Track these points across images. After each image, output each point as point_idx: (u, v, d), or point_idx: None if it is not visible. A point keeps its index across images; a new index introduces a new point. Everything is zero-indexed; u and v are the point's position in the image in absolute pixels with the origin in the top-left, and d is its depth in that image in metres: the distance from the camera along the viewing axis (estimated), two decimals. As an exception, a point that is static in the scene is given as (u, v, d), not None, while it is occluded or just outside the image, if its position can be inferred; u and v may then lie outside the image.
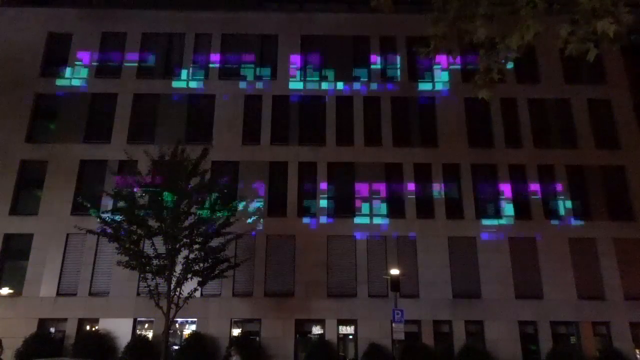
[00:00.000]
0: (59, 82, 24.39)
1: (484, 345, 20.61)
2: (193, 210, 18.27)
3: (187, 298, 17.56)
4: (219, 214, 18.73)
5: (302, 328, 21.26)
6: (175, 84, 24.52)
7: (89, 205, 18.52)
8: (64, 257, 21.64)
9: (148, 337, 20.45)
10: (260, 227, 22.14)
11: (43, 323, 20.71)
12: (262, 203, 22.67)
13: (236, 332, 21.17)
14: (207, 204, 18.71)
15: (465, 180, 23.18)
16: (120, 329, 20.55)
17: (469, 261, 22.00)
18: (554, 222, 22.54)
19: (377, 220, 22.52)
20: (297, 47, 25.37)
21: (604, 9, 5.06)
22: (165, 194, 17.64)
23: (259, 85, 24.70)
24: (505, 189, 23.06)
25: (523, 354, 20.64)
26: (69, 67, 24.64)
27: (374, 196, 22.93)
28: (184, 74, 24.73)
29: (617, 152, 23.67)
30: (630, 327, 21.00)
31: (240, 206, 20.88)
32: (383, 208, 22.76)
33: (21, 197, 22.72)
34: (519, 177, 23.29)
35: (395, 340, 19.19)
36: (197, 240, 18.06)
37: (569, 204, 22.84)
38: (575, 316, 21.20)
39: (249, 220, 21.93)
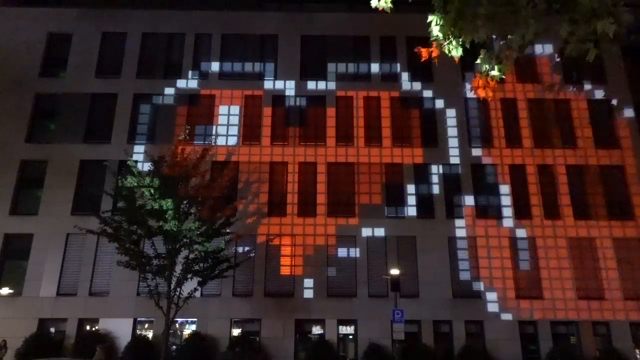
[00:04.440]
0: (59, 82, 24.40)
1: (484, 345, 20.62)
2: (193, 210, 18.28)
3: (187, 298, 17.56)
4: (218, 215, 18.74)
5: (302, 328, 21.26)
6: (175, 84, 24.52)
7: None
8: (64, 257, 21.64)
9: (148, 337, 20.45)
10: (260, 227, 22.14)
11: (43, 323, 20.72)
12: (262, 203, 22.66)
13: (236, 332, 21.18)
14: (206, 205, 18.69)
15: (465, 180, 23.19)
16: (120, 329, 20.55)
17: (469, 261, 22.00)
18: (554, 222, 22.54)
19: (377, 220, 22.51)
20: (297, 47, 25.37)
21: (604, 9, 5.06)
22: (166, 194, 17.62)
23: (259, 85, 24.71)
24: (505, 189, 23.06)
25: (523, 354, 20.65)
26: (69, 67, 24.64)
27: (373, 196, 22.93)
28: (183, 73, 24.74)
29: (617, 152, 23.69)
30: (630, 327, 21.02)
31: (240, 206, 20.89)
32: (383, 208, 22.76)
33: (21, 197, 22.72)
34: (519, 177, 23.30)
35: (395, 340, 19.19)
36: (197, 240, 18.05)
37: (569, 204, 22.84)
38: (575, 316, 21.22)
39: (249, 220, 22.00)
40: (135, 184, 17.70)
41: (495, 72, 6.04)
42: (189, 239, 17.85)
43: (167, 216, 17.27)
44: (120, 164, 22.21)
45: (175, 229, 17.39)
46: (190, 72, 24.78)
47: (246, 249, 21.58)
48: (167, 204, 17.15)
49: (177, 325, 21.22)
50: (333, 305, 21.24)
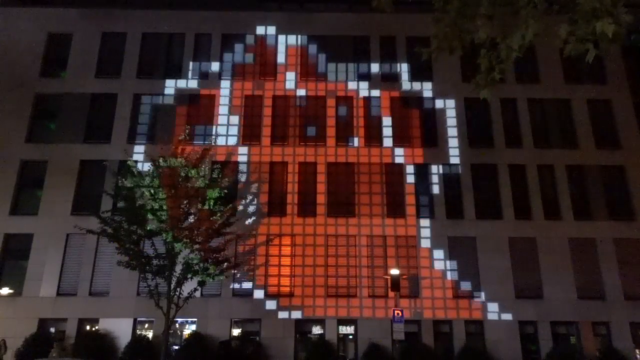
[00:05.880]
0: (59, 82, 24.41)
1: (484, 345, 20.62)
2: (193, 210, 18.28)
3: (187, 298, 17.58)
4: (218, 215, 18.76)
5: (302, 328, 21.27)
6: (175, 84, 24.52)
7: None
8: (64, 257, 21.64)
9: (148, 337, 20.45)
10: (260, 227, 22.15)
11: (43, 323, 20.72)
12: (262, 203, 22.67)
13: (236, 332, 21.19)
14: (207, 205, 18.70)
15: (465, 180, 23.19)
16: (120, 329, 20.55)
17: (469, 261, 22.01)
18: (554, 222, 22.54)
19: (377, 220, 22.52)
20: (296, 47, 25.37)
21: (604, 9, 5.06)
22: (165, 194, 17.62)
23: (259, 85, 24.71)
24: (505, 189, 23.05)
25: (523, 354, 20.64)
26: (69, 67, 24.64)
27: (374, 196, 22.93)
28: (183, 73, 24.74)
29: (617, 152, 23.68)
30: (630, 327, 21.01)
31: (240, 206, 20.89)
32: (383, 208, 22.75)
33: (21, 197, 22.72)
34: (519, 177, 23.29)
35: (395, 340, 19.19)
36: (197, 240, 18.06)
37: (569, 204, 22.83)
38: (575, 316, 21.21)
39: (249, 220, 22.01)
40: (135, 185, 17.71)
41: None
42: (189, 239, 17.84)
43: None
44: (120, 164, 22.24)
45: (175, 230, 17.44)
46: (190, 72, 24.77)
47: (246, 249, 21.60)
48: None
49: (177, 325, 21.22)
50: (333, 305, 21.25)
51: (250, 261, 21.65)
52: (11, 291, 20.98)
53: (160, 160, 18.07)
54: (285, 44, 25.43)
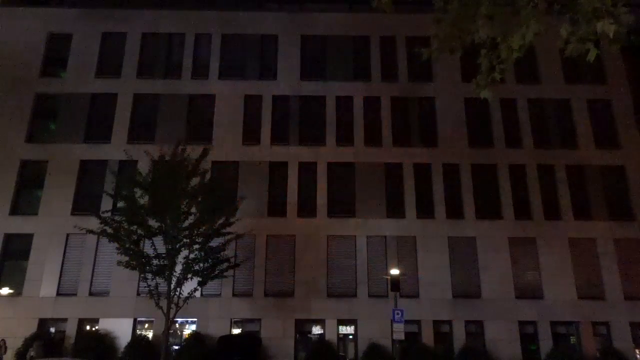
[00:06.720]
0: (59, 82, 24.40)
1: (484, 345, 20.63)
2: (193, 210, 18.27)
3: (187, 298, 17.55)
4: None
5: (302, 328, 21.27)
6: (175, 84, 24.52)
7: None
8: (64, 257, 21.64)
9: (148, 337, 20.45)
10: (260, 227, 22.14)
11: (43, 323, 20.72)
12: (262, 203, 22.66)
13: (236, 332, 21.18)
14: (207, 204, 18.67)
15: (465, 180, 23.18)
16: (120, 329, 20.55)
17: (469, 261, 22.01)
18: (554, 222, 22.54)
19: (377, 220, 22.51)
20: (297, 47, 25.37)
21: (604, 9, 5.07)
22: (166, 194, 17.59)
23: (259, 85, 24.70)
24: (505, 189, 23.05)
25: (523, 354, 20.65)
26: (69, 67, 24.63)
27: (373, 196, 22.93)
28: (184, 74, 24.73)
29: (617, 152, 23.68)
30: (630, 327, 21.02)
31: (240, 206, 20.86)
32: (383, 208, 22.75)
33: (21, 197, 22.72)
34: (519, 177, 23.29)
35: (395, 340, 19.19)
36: (197, 240, 18.05)
37: (569, 204, 22.83)
38: (575, 316, 21.21)
39: (249, 221, 21.97)
40: (135, 185, 17.70)
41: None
42: (189, 239, 17.84)
43: (167, 216, 17.25)
44: (120, 164, 22.24)
45: (175, 230, 17.38)
46: (190, 72, 24.77)
47: (246, 249, 21.58)
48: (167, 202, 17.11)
49: (177, 325, 21.22)
50: (333, 305, 21.24)
51: (250, 261, 21.63)
52: (11, 291, 20.96)
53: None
54: (285, 44, 25.42)
